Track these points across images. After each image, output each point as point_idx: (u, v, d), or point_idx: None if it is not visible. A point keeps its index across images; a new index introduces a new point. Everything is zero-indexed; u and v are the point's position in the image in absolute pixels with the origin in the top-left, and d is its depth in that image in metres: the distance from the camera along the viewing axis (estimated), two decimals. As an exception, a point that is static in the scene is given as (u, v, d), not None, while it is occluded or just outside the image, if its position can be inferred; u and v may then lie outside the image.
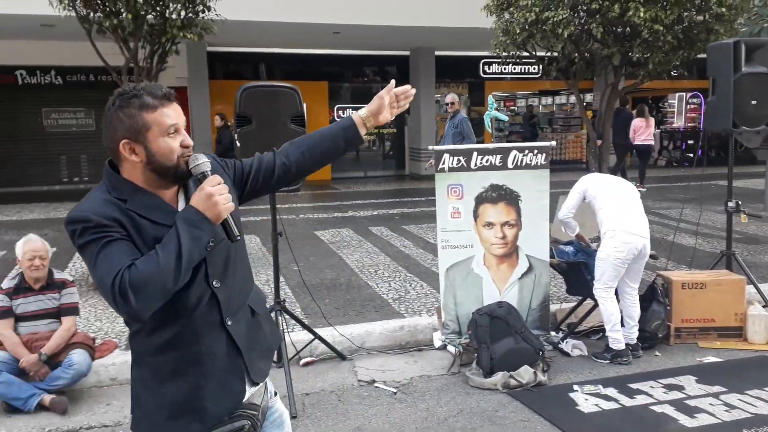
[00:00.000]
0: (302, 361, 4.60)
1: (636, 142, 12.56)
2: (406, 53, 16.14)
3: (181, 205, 1.81)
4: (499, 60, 9.03)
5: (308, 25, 11.08)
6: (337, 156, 2.10)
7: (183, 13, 5.96)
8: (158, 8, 5.80)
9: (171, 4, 5.83)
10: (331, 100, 16.61)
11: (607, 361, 4.60)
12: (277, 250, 4.52)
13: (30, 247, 4.23)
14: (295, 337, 4.63)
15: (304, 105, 4.13)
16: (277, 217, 4.43)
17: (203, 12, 6.03)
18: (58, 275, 4.37)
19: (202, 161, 1.77)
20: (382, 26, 11.63)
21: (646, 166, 12.89)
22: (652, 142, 12.62)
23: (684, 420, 3.73)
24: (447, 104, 8.61)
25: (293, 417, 3.85)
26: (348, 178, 16.35)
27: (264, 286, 6.28)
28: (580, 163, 18.14)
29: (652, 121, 12.88)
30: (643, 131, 12.40)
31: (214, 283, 1.84)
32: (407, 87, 2.09)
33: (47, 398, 3.98)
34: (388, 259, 7.32)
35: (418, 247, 7.95)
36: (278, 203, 4.57)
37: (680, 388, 4.16)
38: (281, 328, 4.33)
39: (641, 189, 12.56)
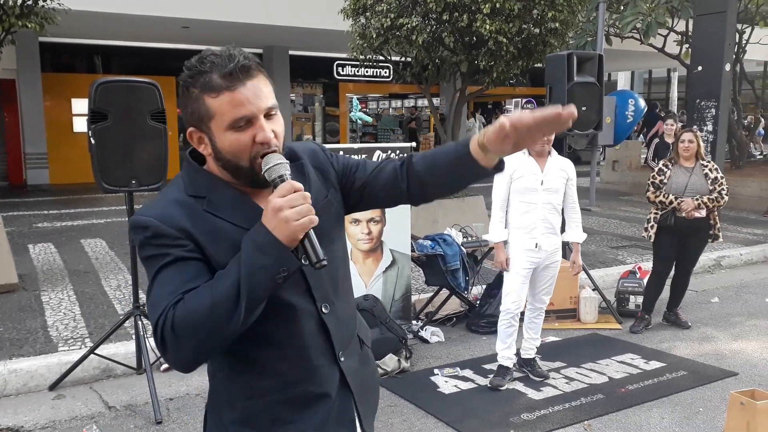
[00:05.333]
0: (163, 367, 4.47)
1: None
2: (260, 51, 15.96)
3: None
4: (353, 62, 9.27)
5: (155, 18, 10.60)
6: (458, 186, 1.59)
7: (21, 0, 5.46)
8: (-7, -7, 5.28)
9: (8, -9, 5.33)
10: (179, 97, 15.94)
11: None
12: (135, 252, 4.34)
13: None
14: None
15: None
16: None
17: (44, 0, 5.55)
18: None
19: (276, 163, 1.34)
20: (232, 23, 11.42)
21: None
22: None
23: (532, 394, 4.14)
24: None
25: (158, 423, 3.75)
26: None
27: (116, 292, 5.97)
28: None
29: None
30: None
31: (322, 308, 1.48)
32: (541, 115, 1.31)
33: None
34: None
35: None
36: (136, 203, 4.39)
37: (527, 366, 4.59)
38: (140, 334, 4.17)
39: None
